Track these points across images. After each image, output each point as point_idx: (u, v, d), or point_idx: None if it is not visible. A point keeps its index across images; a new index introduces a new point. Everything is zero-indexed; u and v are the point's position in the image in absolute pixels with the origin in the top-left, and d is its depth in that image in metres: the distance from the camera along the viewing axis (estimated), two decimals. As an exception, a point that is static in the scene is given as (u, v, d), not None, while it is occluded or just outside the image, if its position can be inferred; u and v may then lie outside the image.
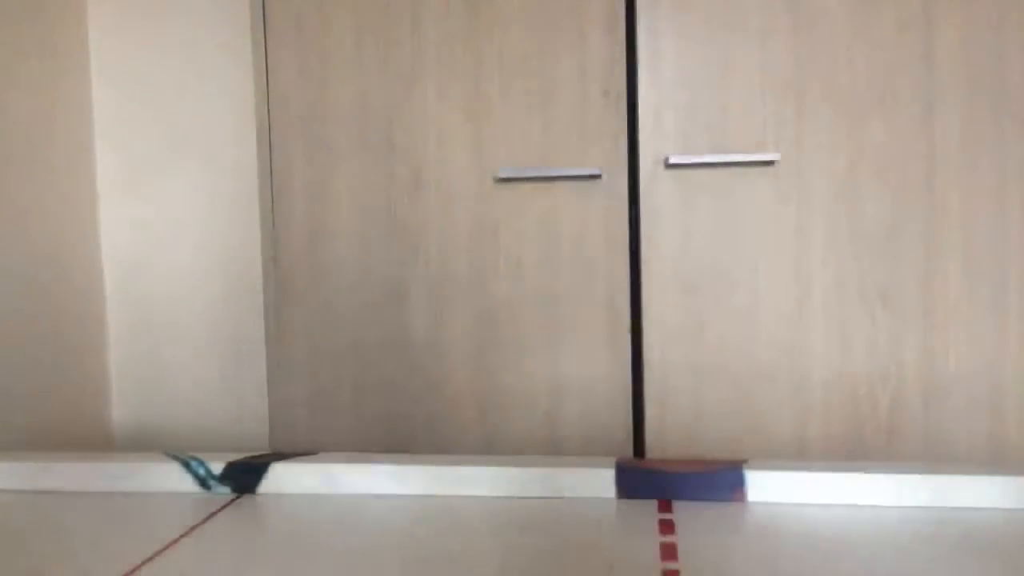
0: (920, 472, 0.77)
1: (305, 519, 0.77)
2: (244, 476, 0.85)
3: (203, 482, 0.85)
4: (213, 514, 0.78)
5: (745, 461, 0.81)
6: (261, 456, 0.88)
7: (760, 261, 1.40)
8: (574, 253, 1.43)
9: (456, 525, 0.74)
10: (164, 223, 1.93)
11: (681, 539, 0.70)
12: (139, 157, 1.93)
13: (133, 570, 0.66)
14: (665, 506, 0.77)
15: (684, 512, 0.76)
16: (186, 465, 0.86)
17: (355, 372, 1.48)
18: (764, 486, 0.78)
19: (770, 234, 1.39)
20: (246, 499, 0.83)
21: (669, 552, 0.67)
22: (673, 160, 1.37)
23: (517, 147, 1.44)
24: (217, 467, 0.85)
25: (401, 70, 1.45)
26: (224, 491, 0.85)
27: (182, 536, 0.73)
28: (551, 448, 1.45)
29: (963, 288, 1.37)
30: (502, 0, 1.43)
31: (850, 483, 0.77)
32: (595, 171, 1.40)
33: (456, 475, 0.82)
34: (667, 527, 0.72)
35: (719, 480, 0.79)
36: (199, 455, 0.87)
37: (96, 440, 1.91)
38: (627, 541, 0.69)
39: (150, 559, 0.68)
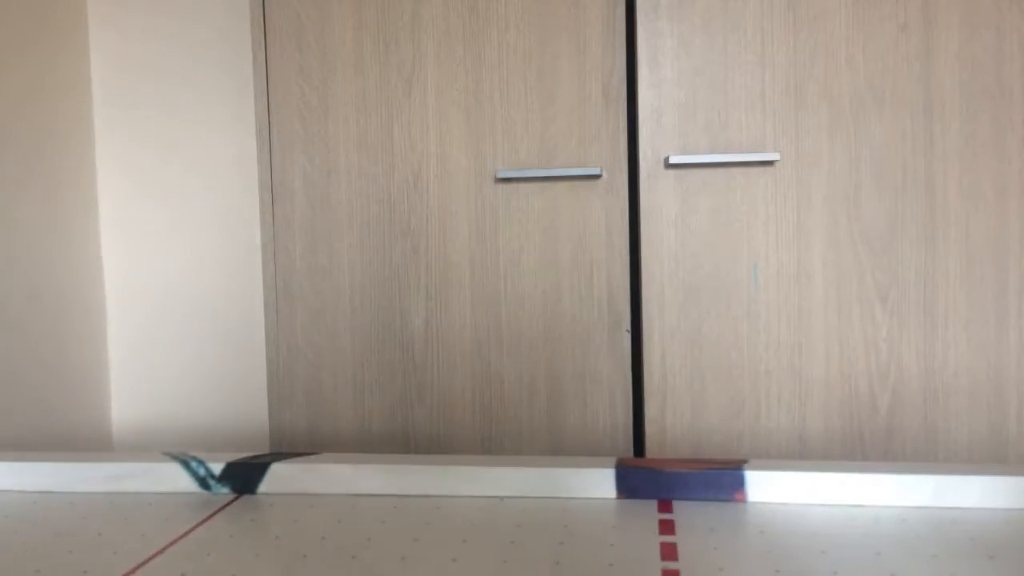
0: (920, 472, 0.77)
1: (305, 519, 0.77)
2: (244, 476, 0.85)
3: (203, 482, 0.85)
4: (213, 514, 0.78)
5: (745, 461, 0.81)
6: (261, 456, 0.88)
7: (760, 261, 1.40)
8: (574, 253, 1.43)
9: (456, 525, 0.74)
10: (164, 222, 1.93)
11: (681, 539, 0.70)
12: (139, 156, 1.93)
13: (133, 570, 0.66)
14: (665, 506, 0.77)
15: (684, 512, 0.76)
16: (186, 465, 0.86)
17: (355, 372, 1.49)
18: (764, 486, 0.78)
19: (770, 234, 1.39)
20: (246, 499, 0.83)
21: (669, 552, 0.67)
22: (673, 160, 1.37)
23: (517, 147, 1.44)
24: (217, 467, 0.85)
25: (401, 70, 1.46)
26: (224, 491, 0.85)
27: (182, 536, 0.73)
28: (551, 448, 1.45)
29: (963, 288, 1.37)
30: (502, 0, 1.43)
31: (850, 483, 0.77)
32: (595, 171, 1.40)
33: (456, 475, 0.82)
34: (667, 527, 0.72)
35: (719, 480, 0.79)
36: (199, 455, 0.87)
37: (96, 440, 1.91)
38: (627, 541, 0.69)
39: (150, 559, 0.68)
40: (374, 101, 1.46)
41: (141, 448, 1.99)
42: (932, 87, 1.36)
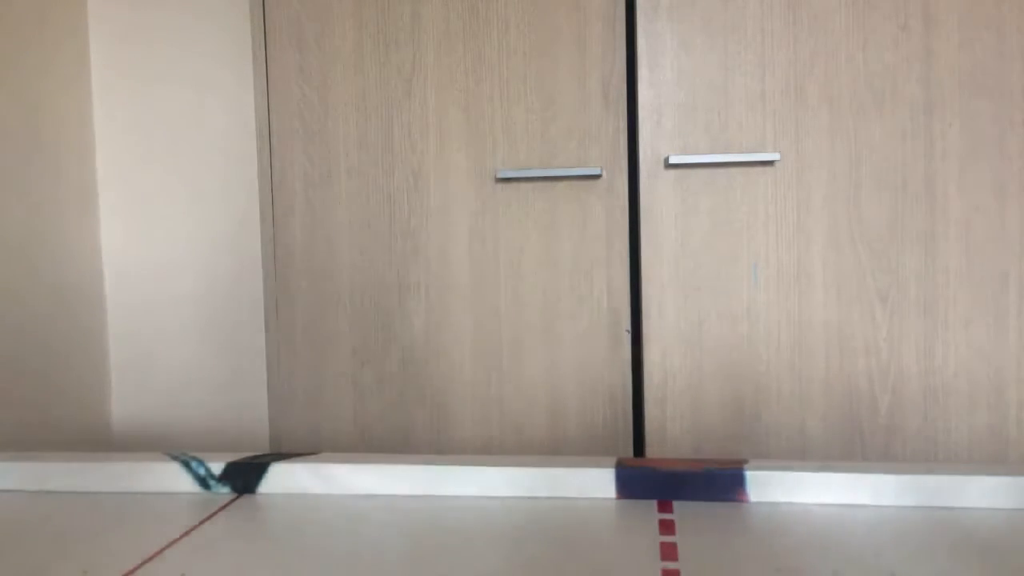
0: (920, 472, 0.77)
1: (305, 519, 0.77)
2: (244, 476, 0.85)
3: (203, 482, 0.85)
4: (213, 514, 0.78)
5: (745, 461, 0.81)
6: (261, 456, 0.88)
7: (760, 261, 1.40)
8: (574, 253, 1.43)
9: (456, 525, 0.74)
10: (164, 223, 1.93)
11: (681, 539, 0.70)
12: (139, 157, 1.93)
13: (133, 570, 0.66)
14: (665, 506, 0.77)
15: (684, 512, 0.76)
16: (186, 465, 0.86)
17: (355, 372, 1.48)
18: (764, 486, 0.78)
19: (770, 234, 1.39)
20: (246, 499, 0.83)
21: (669, 552, 0.67)
22: (673, 160, 1.37)
23: (517, 147, 1.44)
24: (217, 467, 0.85)
25: (401, 70, 1.46)
26: (224, 491, 0.85)
27: (182, 536, 0.73)
28: (551, 448, 1.45)
29: (963, 288, 1.37)
30: (502, 0, 1.43)
31: (850, 483, 0.77)
32: (595, 171, 1.40)
33: (456, 475, 0.82)
34: (667, 527, 0.72)
35: (719, 480, 0.79)
36: (199, 455, 0.87)
37: (96, 440, 1.91)
38: (627, 541, 0.69)
39: (150, 559, 0.68)
40: (374, 101, 1.46)
41: (141, 448, 1.99)
42: (932, 87, 1.36)
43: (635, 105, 1.42)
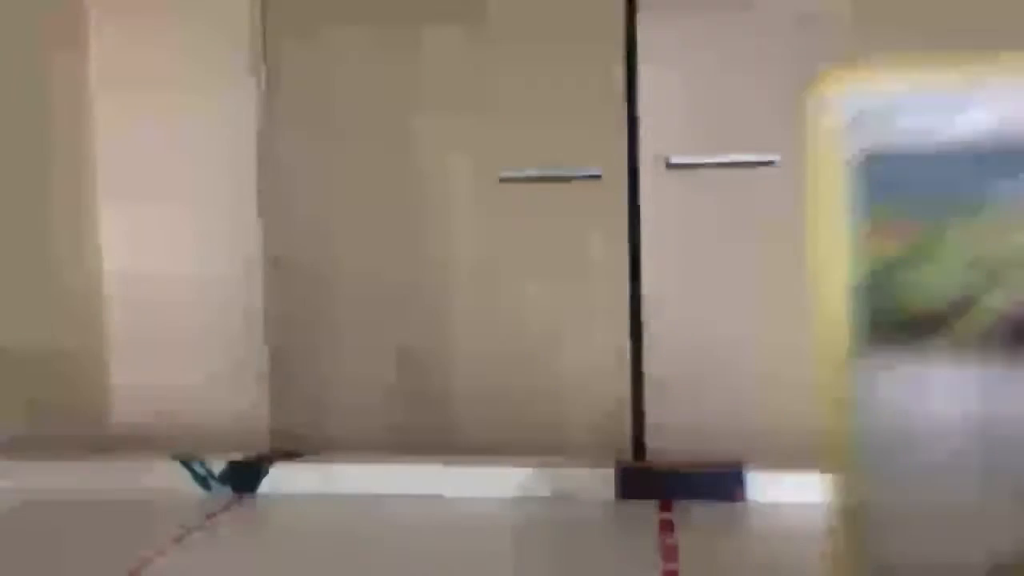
0: (920, 472, 0.77)
1: (305, 519, 0.77)
2: (244, 476, 0.85)
3: (203, 482, 0.85)
4: (213, 514, 0.78)
5: (745, 461, 0.81)
6: (261, 456, 0.88)
7: (760, 261, 1.40)
8: (574, 253, 1.43)
9: (456, 525, 0.74)
10: (164, 221, 1.93)
11: (681, 539, 0.70)
12: (139, 157, 1.93)
13: (133, 571, 0.66)
14: (665, 506, 0.77)
15: (684, 512, 0.76)
16: (186, 465, 0.86)
17: (356, 372, 1.49)
18: (764, 486, 0.78)
19: (771, 234, 1.39)
20: (246, 499, 0.83)
21: (669, 552, 0.67)
22: (674, 160, 1.37)
23: (518, 147, 1.44)
24: (217, 467, 0.85)
25: (402, 69, 1.46)
26: (224, 491, 0.85)
27: (182, 536, 0.73)
28: (551, 448, 1.45)
29: (963, 288, 1.37)
30: (503, 0, 1.43)
31: (850, 483, 0.77)
32: (595, 171, 1.40)
33: (456, 475, 0.82)
34: (667, 527, 0.72)
35: (719, 480, 0.79)
36: (199, 455, 0.87)
37: (96, 440, 1.91)
38: (627, 541, 0.69)
39: (150, 559, 0.68)
40: (375, 100, 1.46)
41: (141, 448, 1.99)
42: (932, 87, 1.36)
43: (635, 105, 1.42)
